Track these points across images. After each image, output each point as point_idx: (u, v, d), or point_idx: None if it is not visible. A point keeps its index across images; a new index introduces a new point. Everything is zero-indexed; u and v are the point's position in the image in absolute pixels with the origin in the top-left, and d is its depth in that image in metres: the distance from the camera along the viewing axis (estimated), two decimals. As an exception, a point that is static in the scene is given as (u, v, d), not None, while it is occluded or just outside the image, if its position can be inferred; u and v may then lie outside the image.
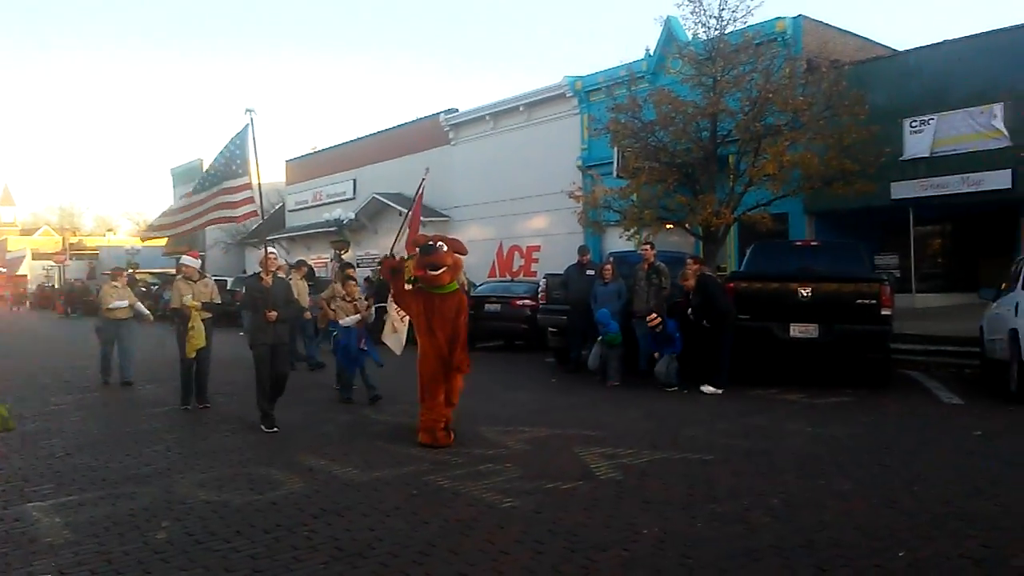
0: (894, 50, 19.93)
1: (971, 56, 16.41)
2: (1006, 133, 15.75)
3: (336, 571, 4.17)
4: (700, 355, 10.62)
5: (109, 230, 75.93)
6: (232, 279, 27.09)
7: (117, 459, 6.83)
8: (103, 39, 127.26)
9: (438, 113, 29.25)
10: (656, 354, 10.81)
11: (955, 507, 5.15)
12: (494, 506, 5.28)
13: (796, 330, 10.47)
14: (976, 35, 16.67)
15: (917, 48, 17.96)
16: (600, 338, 11.12)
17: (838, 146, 15.43)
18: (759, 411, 8.90)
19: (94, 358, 12.53)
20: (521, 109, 26.02)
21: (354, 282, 10.48)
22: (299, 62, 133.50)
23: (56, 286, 50.31)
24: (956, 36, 17.14)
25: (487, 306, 16.50)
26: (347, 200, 33.71)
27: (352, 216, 30.84)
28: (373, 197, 30.48)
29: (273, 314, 8.01)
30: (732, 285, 11.07)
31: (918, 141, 16.89)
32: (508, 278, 24.20)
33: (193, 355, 9.26)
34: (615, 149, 18.95)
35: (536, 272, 23.74)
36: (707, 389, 10.13)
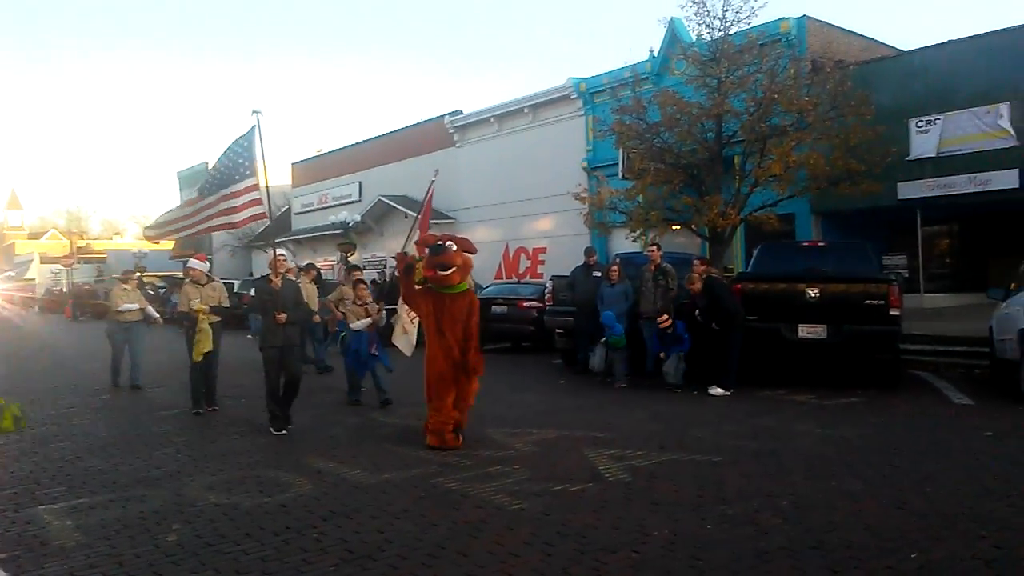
0: (899, 50, 19.89)
1: (977, 56, 16.37)
2: (1013, 133, 15.70)
3: (346, 573, 4.18)
4: (708, 356, 10.61)
5: (116, 233, 76.34)
6: (239, 282, 27.17)
7: (127, 462, 6.85)
8: (109, 43, 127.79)
9: (443, 115, 29.30)
10: (662, 354, 10.80)
11: (966, 508, 5.13)
12: (503, 508, 5.28)
13: (804, 331, 10.44)
14: (982, 35, 16.61)
15: (922, 48, 17.91)
16: (604, 340, 11.12)
17: (844, 146, 15.40)
18: (768, 412, 8.88)
19: (103, 361, 12.57)
20: (526, 111, 26.05)
21: (365, 285, 10.47)
22: (304, 65, 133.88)
23: (64, 290, 50.54)
24: (961, 36, 17.10)
25: (494, 308, 16.49)
26: (353, 202, 33.78)
27: (358, 218, 30.89)
28: (379, 199, 30.54)
29: (283, 316, 8.02)
30: (739, 286, 11.05)
31: (924, 141, 16.84)
32: (514, 280, 24.24)
33: (200, 359, 9.26)
34: (620, 150, 18.95)
35: (542, 274, 23.76)
36: (715, 391, 10.11)
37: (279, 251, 8.86)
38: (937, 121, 16.67)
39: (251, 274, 36.86)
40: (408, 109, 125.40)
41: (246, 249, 40.64)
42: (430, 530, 4.83)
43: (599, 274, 12.30)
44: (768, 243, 13.85)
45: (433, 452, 6.97)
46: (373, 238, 32.13)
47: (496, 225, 26.70)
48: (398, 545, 4.56)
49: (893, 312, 10.24)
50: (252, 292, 19.70)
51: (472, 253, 7.61)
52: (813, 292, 10.46)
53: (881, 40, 20.86)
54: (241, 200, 8.35)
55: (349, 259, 27.41)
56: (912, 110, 16.91)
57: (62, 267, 56.61)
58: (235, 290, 23.14)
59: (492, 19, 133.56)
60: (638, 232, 17.31)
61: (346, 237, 29.83)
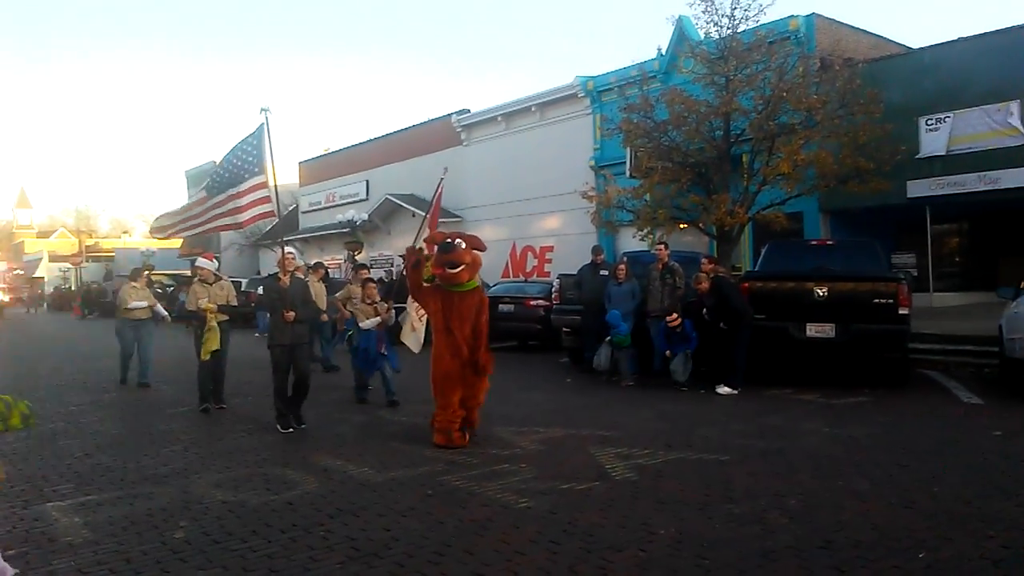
0: (909, 48, 19.80)
1: (987, 53, 16.28)
2: (1023, 131, 15.61)
3: (352, 571, 4.18)
4: (716, 355, 10.58)
5: (125, 232, 76.64)
6: (246, 280, 27.26)
7: (135, 459, 6.88)
8: (118, 42, 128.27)
9: (450, 114, 29.32)
10: (668, 352, 10.78)
11: (975, 507, 5.10)
12: (509, 506, 5.28)
13: (812, 330, 10.39)
14: (992, 32, 16.52)
15: (932, 46, 17.83)
16: (608, 339, 11.11)
17: (853, 144, 15.35)
18: (775, 411, 8.85)
19: (111, 359, 12.62)
20: (533, 109, 26.03)
21: (374, 284, 10.45)
22: (311, 64, 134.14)
23: (72, 288, 50.79)
24: (972, 33, 17.01)
25: (501, 307, 16.48)
26: (360, 201, 33.83)
27: (365, 217, 30.95)
28: (386, 198, 30.58)
29: (291, 314, 8.01)
30: (747, 285, 11.01)
31: (934, 139, 16.76)
32: (522, 278, 24.23)
33: (208, 358, 9.27)
34: (628, 149, 18.93)
35: (549, 272, 23.75)
36: (723, 390, 10.08)
37: (287, 249, 8.80)
38: (947, 119, 16.59)
39: (258, 272, 36.94)
40: (415, 108, 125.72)
41: (253, 247, 40.75)
42: (436, 528, 4.83)
43: (606, 273, 12.29)
44: (776, 242, 13.80)
45: (440, 450, 6.98)
46: (380, 237, 32.18)
47: (503, 224, 26.71)
48: (404, 543, 4.57)
49: (902, 311, 10.19)
50: (260, 290, 19.75)
51: (481, 251, 7.58)
52: (821, 291, 10.42)
53: (890, 38, 20.79)
54: (246, 200, 8.32)
55: (356, 258, 27.46)
56: (922, 108, 16.83)
57: (71, 265, 56.87)
58: (242, 288, 23.22)
59: (500, 18, 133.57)
60: (645, 231, 17.28)
61: (353, 236, 29.89)
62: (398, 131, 33.01)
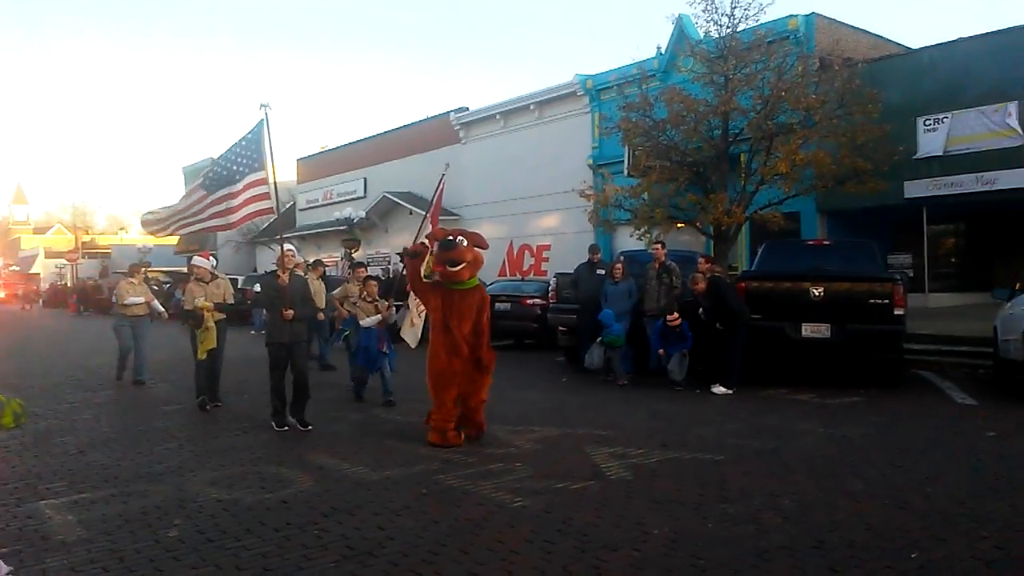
0: (908, 48, 19.83)
1: (985, 54, 16.30)
2: (1021, 132, 15.65)
3: (346, 570, 4.18)
4: (711, 355, 10.59)
5: (121, 228, 76.47)
6: (243, 277, 27.23)
7: (129, 457, 6.86)
8: (115, 39, 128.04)
9: (448, 112, 29.30)
10: (661, 351, 10.79)
11: (968, 508, 5.11)
12: (504, 505, 5.28)
13: (808, 330, 10.41)
14: (990, 33, 16.55)
15: (931, 46, 17.85)
16: (600, 339, 11.11)
17: (851, 144, 15.37)
18: (770, 411, 8.86)
19: (106, 356, 12.58)
20: (532, 108, 26.02)
21: (374, 282, 10.43)
22: (309, 61, 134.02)
23: (69, 285, 50.67)
24: (970, 34, 17.04)
25: (497, 305, 16.42)
26: (358, 199, 33.81)
27: (363, 215, 30.92)
28: (384, 196, 30.56)
29: (290, 312, 7.94)
30: (744, 284, 11.02)
31: (932, 140, 16.79)
32: (518, 277, 24.23)
33: (204, 356, 9.24)
34: (626, 148, 18.94)
35: (546, 271, 23.76)
36: (718, 389, 10.09)
37: (287, 246, 8.71)
38: (945, 119, 16.62)
39: (255, 270, 36.94)
40: (414, 105, 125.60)
41: (250, 245, 40.71)
42: (431, 527, 4.83)
43: (603, 272, 12.29)
44: (773, 241, 13.82)
45: (435, 449, 6.97)
46: (378, 234, 32.17)
47: (501, 222, 26.71)
48: (399, 542, 4.56)
49: (897, 311, 10.21)
50: (256, 288, 19.73)
51: (484, 248, 7.52)
52: (817, 291, 10.43)
53: (890, 38, 20.81)
54: (239, 199, 8.25)
55: (353, 255, 27.45)
56: (920, 108, 16.85)
57: (67, 262, 56.71)
58: (239, 286, 23.19)
59: (499, 16, 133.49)
60: (643, 230, 17.30)
61: (350, 233, 29.87)
62: (396, 129, 33.00)
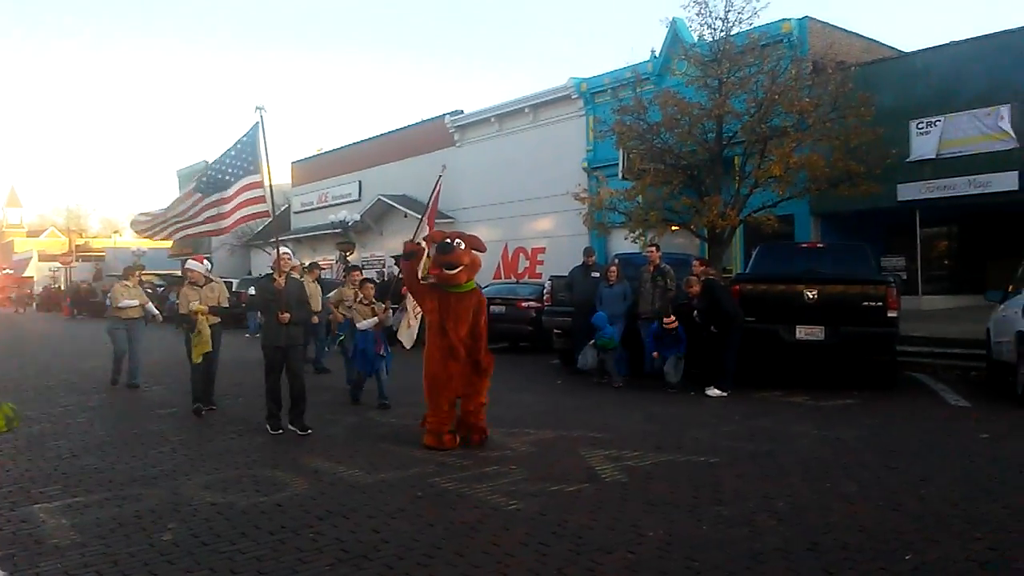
0: (900, 51, 19.91)
1: (978, 57, 16.39)
2: (1013, 135, 15.73)
3: (341, 573, 4.17)
4: (705, 358, 10.61)
5: (115, 231, 76.18)
6: (237, 280, 27.17)
7: (123, 461, 6.84)
8: (110, 41, 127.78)
9: (443, 115, 29.31)
10: (656, 354, 10.80)
11: (961, 510, 5.13)
12: (499, 508, 5.28)
13: (802, 332, 10.43)
14: (983, 36, 16.64)
15: (924, 49, 17.94)
16: (593, 342, 11.13)
17: (844, 148, 15.42)
18: (764, 413, 8.88)
19: (100, 359, 12.53)
20: (526, 111, 26.06)
21: (371, 284, 10.39)
22: (304, 64, 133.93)
23: (62, 288, 50.51)
24: (963, 37, 17.13)
25: (492, 308, 16.36)
26: (353, 202, 33.79)
27: (358, 218, 30.90)
28: (379, 199, 30.55)
29: (286, 316, 7.91)
30: (738, 287, 11.05)
31: (925, 143, 16.86)
32: (513, 280, 24.24)
33: (199, 360, 9.22)
34: (620, 151, 18.96)
35: (541, 274, 23.77)
36: (712, 392, 10.11)
37: (283, 250, 8.62)
38: (938, 123, 16.69)
39: (250, 272, 36.85)
40: (408, 108, 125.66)
41: (245, 248, 40.63)
42: (426, 530, 4.83)
43: (598, 274, 12.29)
44: (767, 244, 13.85)
45: (430, 452, 6.97)
46: (372, 237, 32.14)
47: (495, 225, 26.71)
48: (394, 545, 4.56)
49: (891, 314, 10.24)
50: (251, 291, 19.69)
51: (481, 251, 7.50)
52: (811, 293, 10.46)
53: (883, 41, 20.92)
54: (233, 203, 8.22)
55: (348, 258, 27.42)
56: (913, 111, 16.93)
57: (61, 265, 56.55)
58: (233, 288, 23.14)
59: (493, 19, 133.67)
60: (637, 233, 17.32)
61: (345, 236, 29.84)
62: (391, 132, 32.99)
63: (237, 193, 8.19)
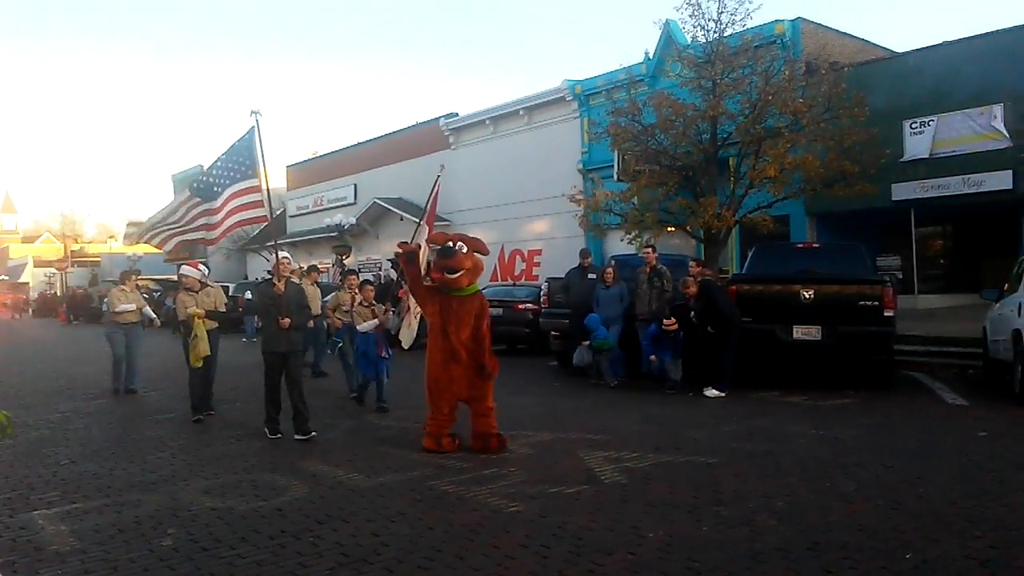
0: (893, 52, 19.98)
1: (971, 57, 16.45)
2: (1006, 134, 15.79)
3: (342, 577, 4.17)
4: (703, 358, 10.62)
5: (111, 237, 75.99)
6: (234, 285, 27.13)
7: (122, 466, 6.83)
8: (104, 46, 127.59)
9: (438, 118, 29.32)
10: (653, 356, 10.81)
11: (960, 508, 5.15)
12: (499, 511, 5.28)
13: (799, 332, 10.45)
14: (976, 36, 16.70)
15: (916, 50, 18.01)
16: (587, 343, 11.13)
17: (838, 148, 15.46)
18: (763, 414, 8.89)
19: (97, 365, 12.50)
20: (521, 113, 26.07)
21: (371, 286, 10.37)
22: (299, 68, 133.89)
23: (58, 293, 50.38)
24: (956, 37, 17.21)
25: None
26: (348, 205, 33.76)
27: (353, 221, 30.87)
28: (374, 202, 30.53)
29: (286, 321, 7.89)
30: (735, 288, 11.07)
31: (918, 142, 16.92)
32: (510, 282, 24.23)
33: (198, 364, 9.19)
34: (615, 152, 18.99)
35: (538, 276, 23.80)
36: (710, 392, 10.12)
37: (282, 254, 8.56)
38: (931, 122, 16.75)
39: (246, 277, 36.78)
40: (403, 111, 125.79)
41: (241, 252, 40.55)
42: (426, 533, 4.83)
43: (594, 276, 12.31)
44: (763, 244, 13.88)
45: (429, 455, 6.97)
46: (368, 241, 32.11)
47: (491, 227, 26.67)
48: (394, 548, 4.56)
49: (887, 313, 10.27)
50: (247, 295, 19.65)
51: (483, 254, 7.45)
52: (808, 293, 10.48)
53: (876, 42, 20.99)
54: (228, 208, 8.20)
55: (344, 262, 27.38)
56: (906, 111, 16.98)
57: (56, 271, 56.38)
58: (230, 293, 23.09)
59: (488, 22, 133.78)
60: (633, 234, 17.33)
61: (341, 240, 29.81)
62: (386, 135, 33.00)
63: (230, 199, 8.16)
